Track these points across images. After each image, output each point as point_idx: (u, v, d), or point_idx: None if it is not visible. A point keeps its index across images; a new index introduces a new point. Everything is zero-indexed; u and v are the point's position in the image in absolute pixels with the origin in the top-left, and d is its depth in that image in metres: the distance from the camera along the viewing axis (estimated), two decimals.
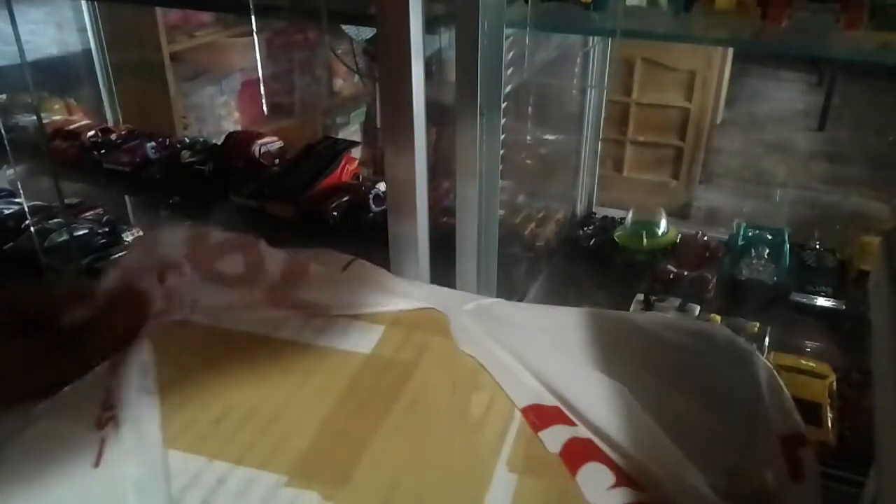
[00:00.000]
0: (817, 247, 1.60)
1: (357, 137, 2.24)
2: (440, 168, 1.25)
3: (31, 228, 1.60)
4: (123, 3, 2.15)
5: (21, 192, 1.65)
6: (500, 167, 1.14)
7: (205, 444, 0.44)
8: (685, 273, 1.50)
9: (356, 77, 2.20)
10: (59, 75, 2.07)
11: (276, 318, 0.55)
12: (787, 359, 1.25)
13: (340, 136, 2.24)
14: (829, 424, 1.11)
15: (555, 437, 0.46)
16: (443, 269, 1.17)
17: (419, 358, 0.52)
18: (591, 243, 1.67)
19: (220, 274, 0.56)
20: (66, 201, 1.60)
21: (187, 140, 1.82)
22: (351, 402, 0.48)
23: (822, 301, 1.43)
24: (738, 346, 0.54)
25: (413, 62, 0.97)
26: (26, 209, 1.62)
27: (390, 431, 0.46)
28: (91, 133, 1.80)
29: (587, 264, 1.67)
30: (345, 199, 1.48)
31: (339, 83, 2.58)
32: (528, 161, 1.59)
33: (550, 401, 0.48)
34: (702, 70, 1.99)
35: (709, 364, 0.52)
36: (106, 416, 0.45)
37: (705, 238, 1.64)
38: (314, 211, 1.46)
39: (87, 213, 1.77)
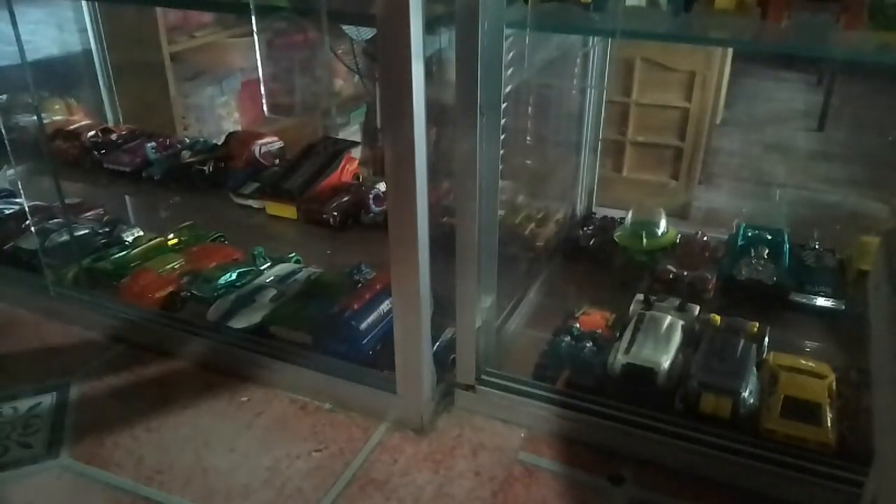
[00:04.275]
0: (817, 247, 1.60)
1: (357, 137, 2.24)
2: (440, 168, 1.25)
3: (32, 228, 1.60)
4: (123, 3, 2.15)
5: (22, 192, 1.65)
6: (500, 167, 1.14)
7: None
8: (685, 273, 1.50)
9: (356, 77, 2.20)
10: (59, 75, 2.07)
11: None
12: (786, 359, 1.25)
13: (340, 136, 2.24)
14: (829, 424, 1.11)
15: None
16: (443, 269, 1.17)
17: None
18: (591, 243, 1.67)
19: None
20: (67, 201, 1.61)
21: (187, 140, 1.82)
22: None
23: (821, 301, 1.43)
24: None
25: (413, 62, 0.97)
26: (27, 209, 1.62)
27: None
28: (91, 133, 1.80)
29: (587, 264, 1.67)
30: (345, 199, 1.49)
31: (339, 83, 2.58)
32: (528, 161, 1.59)
33: None
34: (701, 70, 1.99)
35: None
36: None
37: (705, 238, 1.64)
38: (314, 211, 1.47)
39: (88, 213, 1.77)
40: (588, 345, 1.33)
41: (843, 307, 1.42)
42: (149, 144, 1.73)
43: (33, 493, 1.15)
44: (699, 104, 2.04)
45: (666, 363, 1.20)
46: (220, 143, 1.74)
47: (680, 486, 1.14)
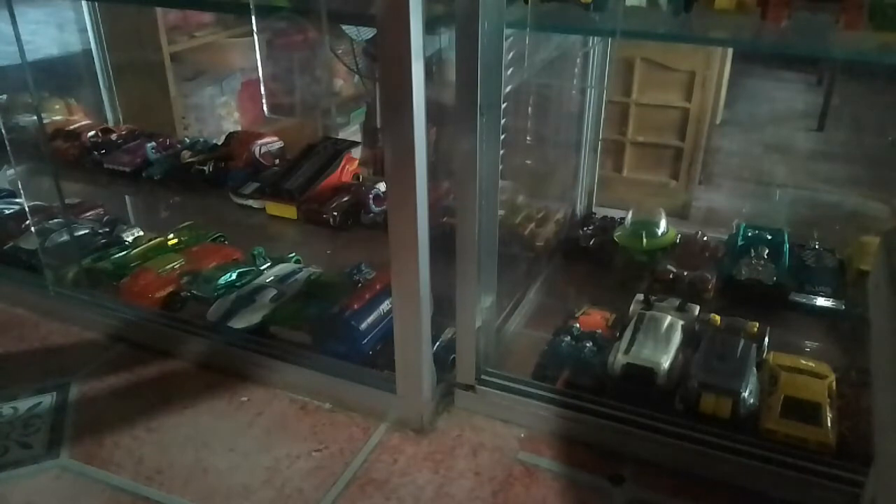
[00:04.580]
0: (816, 247, 1.60)
1: (357, 137, 2.24)
2: (440, 168, 1.25)
3: (32, 228, 1.60)
4: (124, 3, 2.15)
5: (22, 192, 1.65)
6: (500, 167, 1.14)
7: None
8: (685, 273, 1.50)
9: (356, 77, 2.20)
10: (59, 76, 2.07)
11: None
12: (786, 359, 1.25)
13: (340, 136, 2.24)
14: (829, 424, 1.11)
15: None
16: (443, 269, 1.17)
17: None
18: (591, 243, 1.67)
19: None
20: (67, 201, 1.61)
21: (187, 140, 1.82)
22: None
23: (821, 301, 1.43)
24: None
25: (413, 62, 0.97)
26: (27, 209, 1.62)
27: None
28: (91, 133, 1.80)
29: (587, 264, 1.67)
30: (345, 199, 1.49)
31: (339, 83, 2.58)
32: (528, 161, 1.59)
33: None
34: (701, 70, 1.99)
35: None
36: None
37: (705, 238, 1.64)
38: (314, 211, 1.47)
39: (88, 213, 1.77)
40: (588, 345, 1.33)
41: (843, 307, 1.42)
42: (149, 144, 1.73)
43: (33, 493, 1.15)
44: (699, 104, 2.04)
45: (666, 363, 1.20)
46: (220, 143, 1.74)
47: (680, 486, 1.14)
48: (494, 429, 1.27)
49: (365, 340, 1.32)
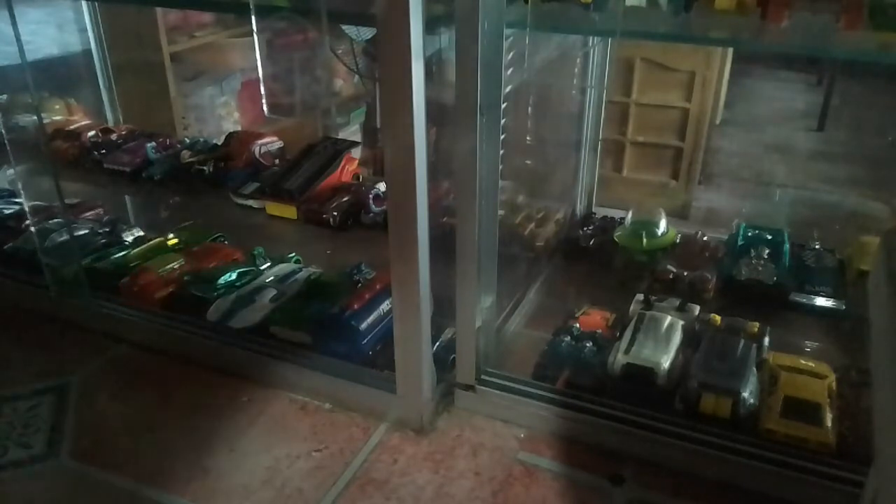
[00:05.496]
0: (817, 247, 1.60)
1: (357, 137, 2.24)
2: (440, 168, 1.25)
3: (32, 228, 1.60)
4: (123, 3, 2.15)
5: (21, 192, 1.65)
6: (500, 167, 1.14)
7: None
8: (685, 273, 1.50)
9: (356, 77, 2.20)
10: (59, 76, 2.07)
11: None
12: (786, 359, 1.25)
13: (340, 136, 2.24)
14: (829, 424, 1.11)
15: None
16: (443, 269, 1.17)
17: None
18: (591, 243, 1.67)
19: None
20: (67, 201, 1.60)
21: (187, 140, 1.82)
22: None
23: (821, 301, 1.43)
24: None
25: (413, 62, 0.97)
26: (27, 209, 1.62)
27: None
28: (91, 133, 1.80)
29: (587, 264, 1.67)
30: (345, 199, 1.49)
31: (339, 83, 2.58)
32: (528, 161, 1.59)
33: None
34: (701, 70, 1.99)
35: None
36: None
37: (705, 238, 1.64)
38: (314, 211, 1.47)
39: (88, 213, 1.77)
40: (588, 345, 1.33)
41: (843, 307, 1.42)
42: (149, 144, 1.73)
43: (33, 493, 1.15)
44: (699, 104, 2.04)
45: (666, 363, 1.20)
46: (220, 143, 1.74)
47: (680, 486, 1.14)
48: (494, 429, 1.27)
49: (365, 340, 1.32)
